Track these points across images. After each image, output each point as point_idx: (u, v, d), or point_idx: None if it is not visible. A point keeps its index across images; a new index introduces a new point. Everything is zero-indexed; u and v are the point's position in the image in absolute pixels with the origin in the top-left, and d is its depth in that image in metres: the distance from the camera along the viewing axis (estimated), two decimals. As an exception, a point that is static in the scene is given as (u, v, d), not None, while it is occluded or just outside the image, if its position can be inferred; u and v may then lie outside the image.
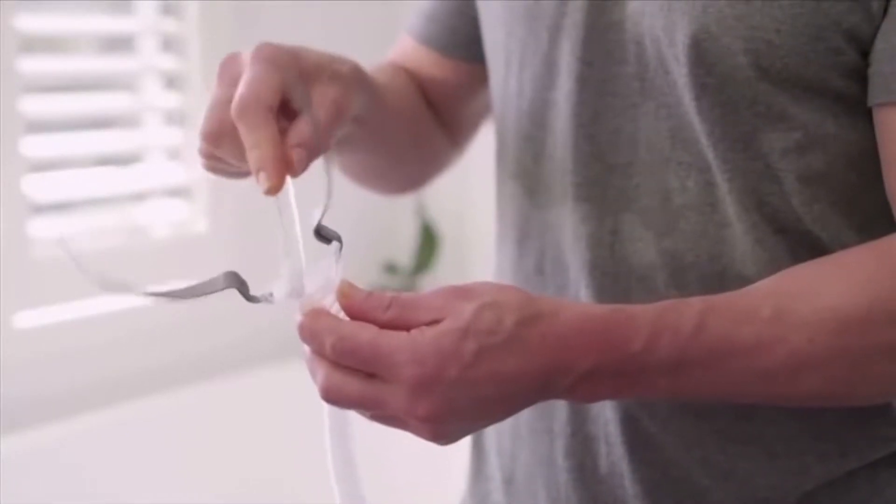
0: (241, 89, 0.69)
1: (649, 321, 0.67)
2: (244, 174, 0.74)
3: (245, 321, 1.96)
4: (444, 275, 2.25)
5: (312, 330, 0.66)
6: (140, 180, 1.92)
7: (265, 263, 0.67)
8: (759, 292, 0.70)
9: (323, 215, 0.68)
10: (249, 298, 0.67)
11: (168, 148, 1.94)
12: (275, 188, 0.67)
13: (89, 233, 1.86)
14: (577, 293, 0.82)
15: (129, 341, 1.86)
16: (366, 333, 0.64)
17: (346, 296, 0.67)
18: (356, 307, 0.66)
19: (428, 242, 2.25)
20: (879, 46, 0.70)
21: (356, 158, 0.92)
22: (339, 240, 0.68)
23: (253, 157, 0.68)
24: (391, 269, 2.28)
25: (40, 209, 1.79)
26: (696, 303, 0.69)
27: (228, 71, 0.72)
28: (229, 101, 0.70)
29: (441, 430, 0.66)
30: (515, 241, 0.87)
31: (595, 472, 0.82)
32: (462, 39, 0.96)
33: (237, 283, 0.66)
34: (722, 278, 0.76)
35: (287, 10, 2.01)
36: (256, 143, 0.68)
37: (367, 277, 2.20)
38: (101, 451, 1.75)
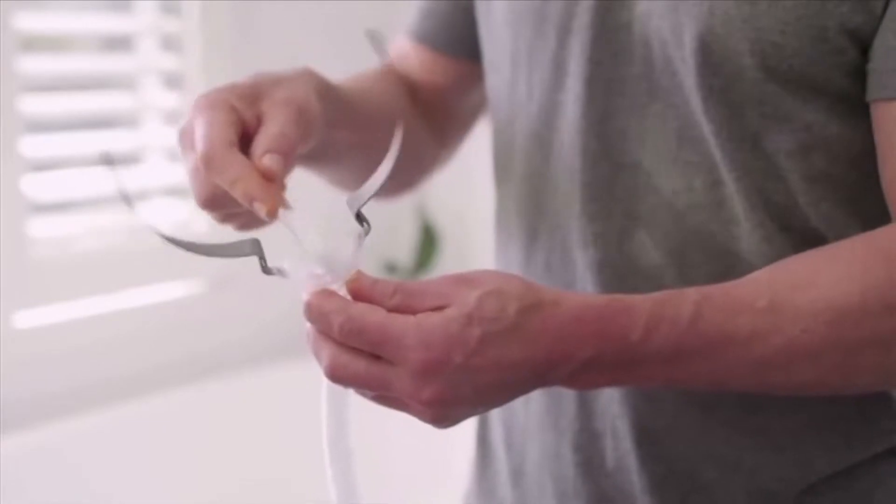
0: (197, 146, 0.71)
1: (647, 311, 0.68)
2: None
3: (245, 321, 1.96)
4: (443, 274, 2.25)
5: (320, 309, 0.66)
6: (140, 180, 1.92)
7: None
8: (754, 283, 0.71)
9: (374, 194, 0.69)
10: (265, 269, 0.68)
11: (168, 148, 1.94)
12: (272, 209, 0.69)
13: (89, 233, 1.85)
14: (584, 291, 0.82)
15: (129, 341, 1.86)
16: (375, 315, 0.65)
17: (355, 280, 0.68)
18: (364, 292, 0.67)
19: (428, 242, 2.26)
20: (877, 44, 0.71)
21: (337, 168, 0.92)
22: (369, 226, 0.69)
23: (238, 194, 0.69)
24: (391, 268, 2.28)
25: (40, 209, 1.79)
26: (692, 293, 0.69)
27: (187, 139, 0.73)
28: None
29: (443, 414, 0.66)
30: (523, 240, 0.88)
31: (603, 466, 0.83)
32: (457, 36, 0.96)
33: (259, 251, 0.68)
34: (729, 276, 0.75)
35: (287, 10, 2.01)
36: (234, 180, 0.69)
37: (366, 277, 2.19)
38: (101, 451, 1.75)
